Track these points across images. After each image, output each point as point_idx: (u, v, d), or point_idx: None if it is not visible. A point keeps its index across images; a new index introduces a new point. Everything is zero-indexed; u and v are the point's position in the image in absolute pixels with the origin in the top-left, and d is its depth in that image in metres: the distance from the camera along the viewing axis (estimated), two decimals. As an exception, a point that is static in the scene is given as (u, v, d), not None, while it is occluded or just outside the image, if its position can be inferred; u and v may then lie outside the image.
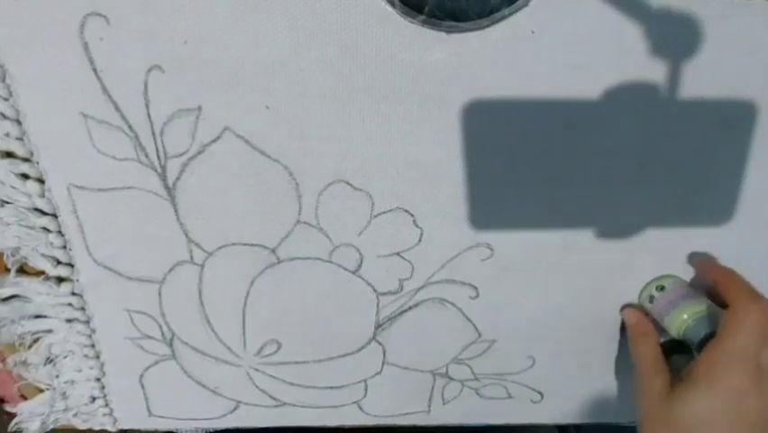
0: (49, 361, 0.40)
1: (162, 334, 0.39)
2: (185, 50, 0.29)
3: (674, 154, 0.33)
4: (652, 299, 0.37)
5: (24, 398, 0.43)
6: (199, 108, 0.31)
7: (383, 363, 0.41)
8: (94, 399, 0.43)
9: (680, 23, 0.29)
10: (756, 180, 0.34)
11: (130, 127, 0.31)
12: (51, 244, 0.35)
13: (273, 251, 0.36)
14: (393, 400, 0.43)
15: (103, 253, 0.36)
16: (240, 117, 0.31)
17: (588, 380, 0.43)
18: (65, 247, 0.35)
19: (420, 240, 0.35)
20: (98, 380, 0.42)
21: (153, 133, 0.31)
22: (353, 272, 0.37)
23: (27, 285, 0.37)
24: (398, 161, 0.33)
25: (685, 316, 0.35)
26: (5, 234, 0.34)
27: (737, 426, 0.31)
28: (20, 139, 0.32)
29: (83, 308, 0.38)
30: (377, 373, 0.42)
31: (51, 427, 0.44)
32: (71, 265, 0.36)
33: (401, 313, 0.39)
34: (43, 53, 0.29)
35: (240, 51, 0.29)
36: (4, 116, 0.31)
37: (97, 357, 0.40)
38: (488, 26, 0.29)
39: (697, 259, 0.37)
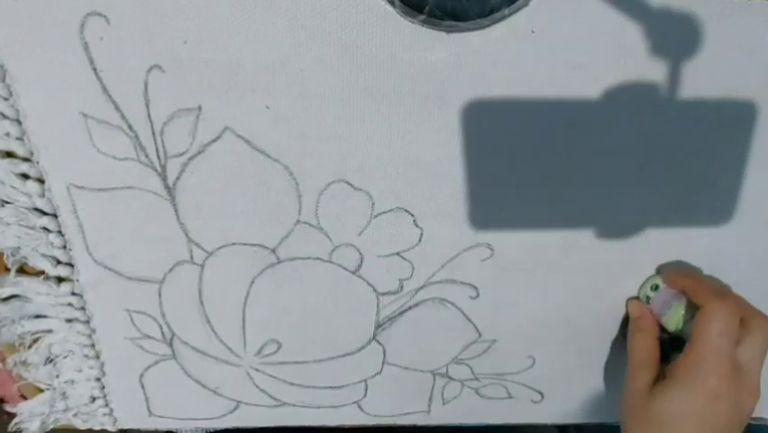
0: (49, 361, 0.40)
1: (162, 334, 0.39)
2: (185, 50, 0.29)
3: (674, 154, 0.33)
4: (648, 298, 0.37)
5: (24, 398, 0.43)
6: (199, 108, 0.31)
7: (383, 363, 0.41)
8: (94, 399, 0.43)
9: (680, 22, 0.29)
10: (756, 180, 0.34)
11: (130, 127, 0.31)
12: (51, 243, 0.35)
13: (273, 251, 0.36)
14: (393, 400, 0.43)
15: (103, 252, 0.36)
16: (240, 117, 0.31)
17: (588, 380, 0.43)
18: (65, 247, 0.35)
19: (420, 240, 0.35)
20: (98, 380, 0.42)
21: (153, 133, 0.31)
22: (353, 272, 0.37)
23: (27, 285, 0.37)
24: (399, 160, 0.33)
25: (681, 312, 0.35)
26: (5, 234, 0.34)
27: (708, 425, 0.32)
28: (20, 139, 0.32)
29: (83, 308, 0.38)
30: (377, 373, 0.42)
31: (51, 427, 0.44)
32: (71, 265, 0.36)
33: (401, 313, 0.39)
34: (43, 53, 0.29)
35: (240, 51, 0.29)
36: (4, 116, 0.31)
37: (97, 357, 0.40)
38: (488, 26, 0.29)
39: (666, 270, 0.37)
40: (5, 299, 0.37)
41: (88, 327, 0.39)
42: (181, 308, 0.38)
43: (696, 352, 0.32)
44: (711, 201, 0.35)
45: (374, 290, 0.37)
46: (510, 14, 0.28)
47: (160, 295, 0.37)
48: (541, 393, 0.44)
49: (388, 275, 0.37)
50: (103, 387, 0.42)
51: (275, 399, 0.43)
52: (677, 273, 0.36)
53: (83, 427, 0.44)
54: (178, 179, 0.33)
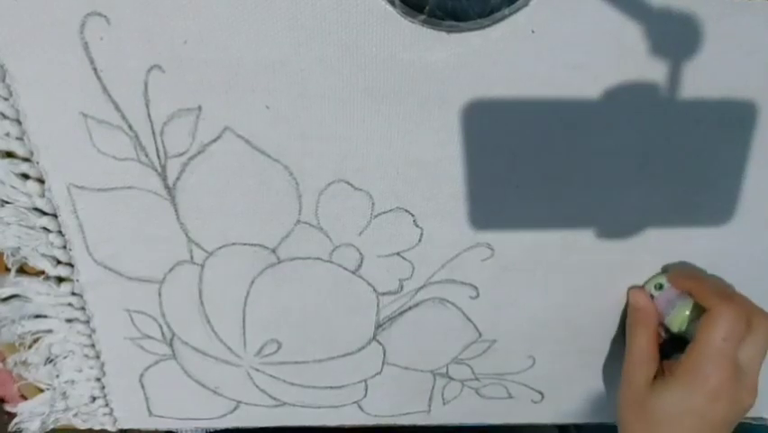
0: (49, 361, 0.40)
1: (162, 334, 0.39)
2: (185, 50, 0.29)
3: (674, 154, 0.33)
4: (651, 297, 0.37)
5: (24, 398, 0.43)
6: (199, 108, 0.31)
7: (383, 363, 0.41)
8: (94, 399, 0.43)
9: (680, 22, 0.29)
10: (756, 180, 0.34)
11: (130, 127, 0.31)
12: (51, 243, 0.35)
13: (273, 251, 0.36)
14: (393, 400, 0.43)
15: (103, 252, 0.36)
16: (240, 117, 0.31)
17: (588, 380, 0.43)
18: (65, 247, 0.35)
19: (420, 240, 0.35)
20: (98, 380, 0.42)
21: (153, 133, 0.31)
22: (353, 272, 0.37)
23: (27, 285, 0.37)
24: (399, 160, 0.33)
25: (686, 313, 0.35)
26: (5, 234, 0.34)
27: (705, 423, 0.33)
28: (20, 139, 0.32)
29: (83, 308, 0.38)
30: (377, 373, 0.42)
31: (51, 427, 0.44)
32: (71, 265, 0.36)
33: (401, 313, 0.39)
34: (43, 53, 0.29)
35: (240, 51, 0.29)
36: (4, 116, 0.31)
37: (97, 357, 0.40)
38: (488, 26, 0.29)
39: (672, 270, 0.37)
40: (5, 299, 0.37)
41: (88, 326, 0.39)
42: (181, 308, 0.38)
43: (699, 353, 0.32)
44: (711, 201, 0.35)
45: (374, 289, 0.37)
46: (510, 14, 0.28)
47: (160, 295, 0.37)
48: (541, 393, 0.44)
49: (388, 275, 0.37)
50: (103, 387, 0.42)
51: (275, 399, 0.43)
52: (683, 274, 0.36)
53: (83, 427, 0.44)
54: (178, 179, 0.33)
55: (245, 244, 0.35)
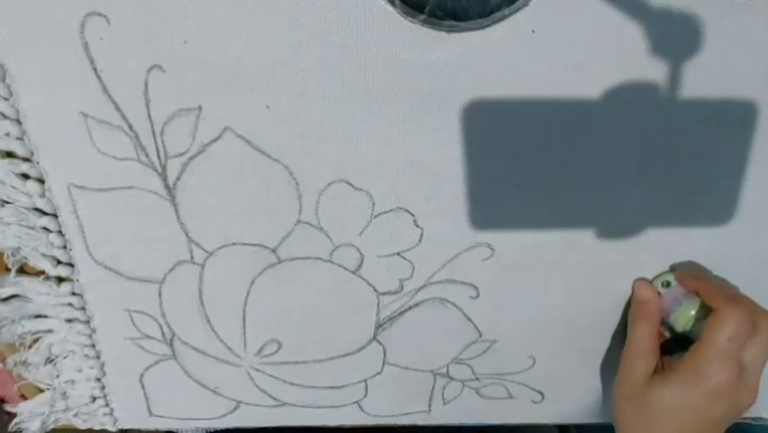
0: (49, 361, 0.40)
1: (162, 334, 0.39)
2: (185, 50, 0.29)
3: (674, 154, 0.33)
4: (657, 294, 0.37)
5: (24, 398, 0.43)
6: (199, 108, 0.31)
7: (383, 363, 0.41)
8: (94, 399, 0.43)
9: (680, 22, 0.29)
10: (757, 180, 0.34)
11: (130, 127, 0.31)
12: (51, 243, 0.35)
13: (273, 251, 0.36)
14: (393, 400, 0.43)
15: (103, 252, 0.36)
16: (240, 117, 0.31)
17: (588, 380, 0.43)
18: (65, 247, 0.35)
19: (420, 240, 0.35)
20: (98, 380, 0.42)
21: (153, 133, 0.31)
22: (354, 272, 0.37)
23: (27, 285, 0.37)
24: (399, 160, 0.33)
25: (692, 312, 0.35)
26: (6, 234, 0.34)
27: (703, 420, 0.33)
28: (20, 139, 0.32)
29: (83, 308, 0.38)
30: (377, 373, 0.42)
31: (52, 427, 0.44)
32: (71, 265, 0.36)
33: (402, 313, 0.39)
34: (43, 53, 0.29)
35: (240, 51, 0.29)
36: (4, 116, 0.31)
37: (98, 357, 0.40)
38: (488, 26, 0.29)
39: (680, 269, 0.37)
40: (6, 299, 0.37)
41: (88, 326, 0.39)
42: (181, 308, 0.38)
43: (703, 353, 0.33)
44: (711, 201, 0.35)
45: (374, 289, 0.37)
46: (510, 14, 0.28)
47: (160, 295, 0.37)
48: (541, 393, 0.44)
49: (388, 275, 0.37)
50: (103, 387, 0.42)
51: (275, 399, 0.43)
52: (691, 274, 0.36)
53: (83, 427, 0.44)
54: (178, 179, 0.33)
55: (245, 244, 0.35)
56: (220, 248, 0.35)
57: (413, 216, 0.35)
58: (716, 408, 0.33)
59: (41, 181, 0.33)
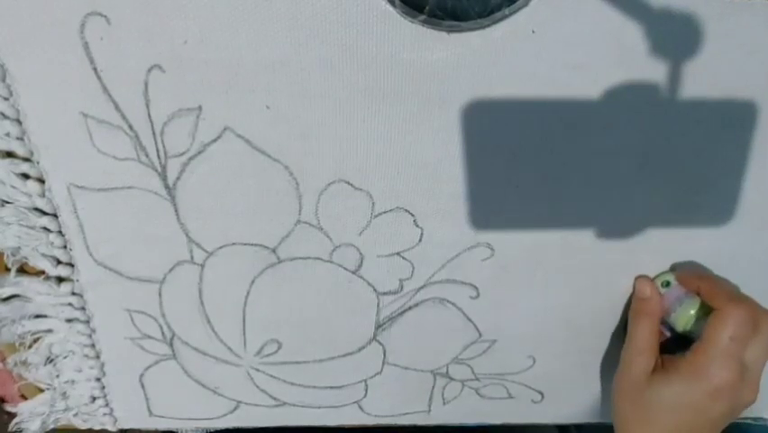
0: (49, 361, 0.40)
1: (162, 333, 0.39)
2: (185, 50, 0.29)
3: (674, 154, 0.33)
4: None
5: (25, 398, 0.43)
6: (199, 108, 0.31)
7: (383, 363, 0.41)
8: (94, 398, 0.43)
9: (680, 22, 0.29)
10: (757, 180, 0.34)
11: (130, 127, 0.31)
12: (52, 243, 0.35)
13: (273, 251, 0.36)
14: (393, 400, 0.43)
15: (103, 252, 0.36)
16: (240, 117, 0.31)
17: (588, 380, 0.43)
18: (65, 247, 0.35)
19: (420, 240, 0.35)
20: (98, 380, 0.42)
21: (153, 133, 0.31)
22: (354, 272, 0.37)
23: (27, 285, 0.37)
24: (399, 160, 0.33)
25: (692, 312, 0.35)
26: (6, 234, 0.34)
27: (702, 418, 0.33)
28: (20, 139, 0.32)
29: (83, 308, 0.38)
30: (377, 373, 0.42)
31: (52, 426, 0.44)
32: (71, 265, 0.36)
33: (401, 313, 0.39)
34: (43, 53, 0.29)
35: (240, 51, 0.29)
36: (5, 116, 0.31)
37: (98, 357, 0.40)
38: (488, 26, 0.29)
39: (681, 269, 0.37)
40: (6, 299, 0.37)
41: (88, 326, 0.39)
42: (181, 308, 0.38)
43: (705, 353, 0.33)
44: (711, 201, 0.35)
45: (374, 289, 0.37)
46: (510, 14, 0.28)
47: (160, 295, 0.37)
48: (541, 393, 0.44)
49: (388, 275, 0.37)
50: (103, 387, 0.42)
51: (275, 399, 0.43)
52: (692, 273, 0.37)
53: (83, 427, 0.44)
54: (178, 179, 0.33)
55: (245, 244, 0.35)
56: (220, 248, 0.35)
57: (413, 216, 0.35)
58: (716, 407, 0.33)
59: (41, 181, 0.33)
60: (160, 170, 0.32)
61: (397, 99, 0.31)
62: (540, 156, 0.33)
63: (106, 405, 0.43)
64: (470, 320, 0.39)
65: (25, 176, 0.33)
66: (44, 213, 0.34)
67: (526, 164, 0.33)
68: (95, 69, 0.29)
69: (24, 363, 0.40)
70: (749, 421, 0.45)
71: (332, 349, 0.40)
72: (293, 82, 0.30)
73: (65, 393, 0.42)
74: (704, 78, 0.31)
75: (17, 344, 0.39)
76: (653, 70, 0.30)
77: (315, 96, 0.30)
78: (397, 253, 0.36)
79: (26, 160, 0.32)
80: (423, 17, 0.28)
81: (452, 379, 0.42)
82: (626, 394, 0.36)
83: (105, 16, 0.28)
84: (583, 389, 0.44)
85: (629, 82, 0.31)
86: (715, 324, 0.33)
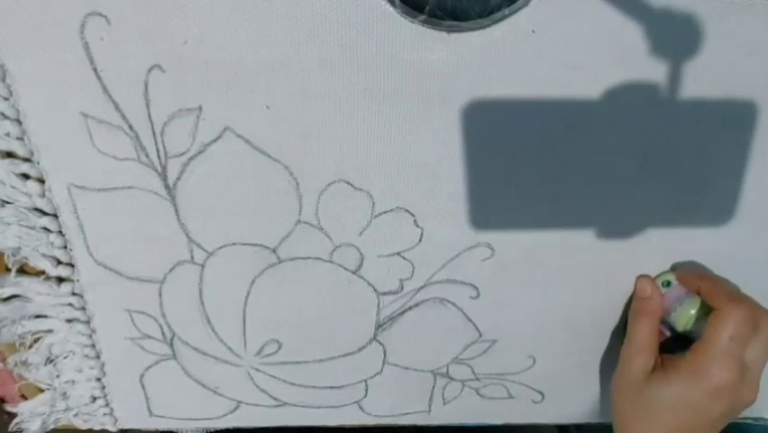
0: (49, 361, 0.40)
1: (163, 334, 0.39)
2: (185, 50, 0.29)
3: (675, 154, 0.33)
4: None
5: (25, 398, 0.43)
6: (200, 108, 0.31)
7: (384, 363, 0.41)
8: (94, 399, 0.43)
9: (680, 22, 0.29)
10: (757, 181, 0.34)
11: (130, 127, 0.31)
12: (52, 243, 0.35)
13: (274, 251, 0.36)
14: (394, 400, 0.43)
15: (103, 252, 0.36)
16: (240, 117, 0.31)
17: (588, 380, 0.43)
18: (65, 247, 0.35)
19: (421, 240, 0.35)
20: (99, 380, 0.42)
21: (154, 133, 0.31)
22: (354, 272, 0.37)
23: (27, 285, 0.37)
24: (399, 160, 0.33)
25: (692, 312, 0.35)
26: (6, 234, 0.34)
27: (702, 418, 0.33)
28: (20, 139, 0.32)
29: (83, 308, 0.38)
30: (377, 373, 0.42)
31: (52, 427, 0.44)
32: (72, 265, 0.36)
33: (402, 313, 0.39)
34: (43, 53, 0.29)
35: (240, 51, 0.29)
36: (5, 116, 0.31)
37: (98, 357, 0.40)
38: (488, 26, 0.29)
39: (681, 269, 0.37)
40: (6, 300, 0.37)
41: (89, 327, 0.39)
42: (182, 308, 0.38)
43: (705, 352, 0.33)
44: (712, 201, 0.35)
45: (374, 289, 0.37)
46: (511, 14, 0.28)
47: (160, 295, 0.37)
48: (541, 393, 0.44)
49: (388, 275, 0.37)
50: (103, 387, 0.42)
51: (275, 399, 0.43)
52: (692, 273, 0.37)
53: (83, 427, 0.44)
54: (178, 179, 0.33)
55: (246, 244, 0.35)
56: (220, 248, 0.35)
57: (413, 216, 0.35)
58: (716, 406, 0.33)
59: (42, 181, 0.33)
60: (160, 170, 0.32)
61: (397, 99, 0.31)
62: (540, 156, 0.33)
63: (107, 405, 0.43)
64: (470, 320, 0.39)
65: (25, 176, 0.33)
66: (44, 213, 0.34)
67: (526, 164, 0.33)
68: (95, 69, 0.29)
69: (25, 363, 0.40)
70: (749, 421, 0.45)
71: (332, 349, 0.40)
72: (293, 82, 0.30)
73: (65, 393, 0.42)
74: (704, 78, 0.31)
75: (17, 344, 0.39)
76: (653, 70, 0.30)
77: (315, 96, 0.30)
78: (398, 253, 0.36)
79: (26, 160, 0.32)
80: (423, 17, 0.28)
81: (452, 379, 0.42)
82: (626, 393, 0.36)
83: (105, 16, 0.28)
84: (583, 389, 0.44)
85: (629, 82, 0.31)
86: (715, 324, 0.33)
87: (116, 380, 0.42)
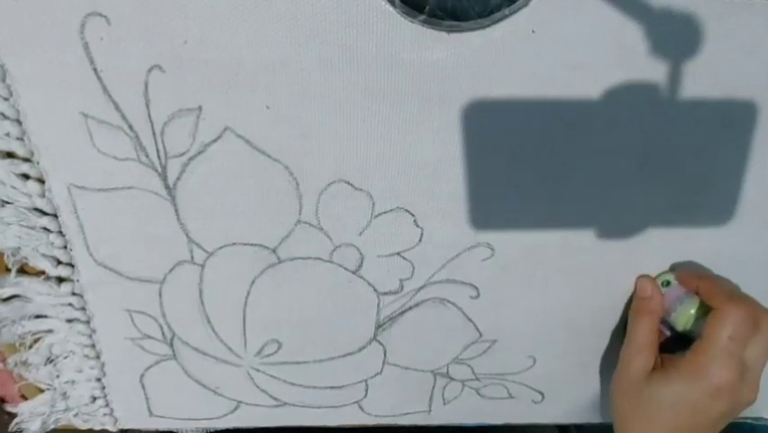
0: (49, 361, 0.40)
1: (163, 334, 0.39)
2: (185, 50, 0.29)
3: (675, 154, 0.33)
4: None
5: (25, 398, 0.43)
6: (199, 108, 0.31)
7: (384, 363, 0.41)
8: (94, 399, 0.43)
9: (680, 22, 0.29)
10: (757, 181, 0.34)
11: (130, 127, 0.31)
12: (52, 244, 0.35)
13: (274, 251, 0.36)
14: (394, 400, 0.43)
15: (103, 253, 0.36)
16: (240, 117, 0.31)
17: (588, 380, 0.43)
18: (65, 247, 0.35)
19: (421, 240, 0.35)
20: (99, 380, 0.42)
21: (154, 133, 0.31)
22: (354, 272, 0.37)
23: (28, 285, 0.37)
24: (399, 160, 0.33)
25: (692, 311, 0.35)
26: (6, 235, 0.34)
27: (702, 417, 0.33)
28: (20, 139, 0.32)
29: (83, 309, 0.38)
30: (377, 373, 0.42)
31: (52, 427, 0.44)
32: (72, 265, 0.36)
33: (402, 313, 0.39)
34: (43, 53, 0.29)
35: (240, 51, 0.29)
36: (5, 116, 0.31)
37: (98, 357, 0.40)
38: (488, 26, 0.29)
39: (680, 269, 0.37)
40: (6, 300, 0.37)
41: (89, 327, 0.39)
42: (182, 309, 0.38)
43: (704, 352, 0.33)
44: (712, 201, 0.35)
45: (375, 289, 0.37)
46: (511, 14, 0.28)
47: (160, 295, 0.37)
48: (542, 393, 0.44)
49: (388, 275, 0.37)
50: (103, 387, 0.42)
51: (275, 399, 0.43)
52: (691, 273, 0.37)
53: (84, 427, 0.44)
54: (178, 179, 0.33)
55: (246, 244, 0.35)
56: (220, 248, 0.35)
57: (413, 216, 0.35)
58: (716, 406, 0.33)
59: (42, 181, 0.33)
60: (160, 170, 0.32)
61: (397, 99, 0.31)
62: (540, 156, 0.33)
63: (107, 405, 0.43)
64: (470, 320, 0.39)
65: (25, 176, 0.33)
66: (44, 213, 0.34)
67: (526, 164, 0.33)
68: (95, 70, 0.29)
69: (25, 363, 0.40)
70: (749, 421, 0.45)
71: (332, 349, 0.40)
72: (293, 82, 0.30)
73: (65, 393, 0.42)
74: (704, 78, 0.31)
75: (17, 344, 0.39)
76: (653, 70, 0.30)
77: (315, 96, 0.30)
78: (398, 253, 0.36)
79: (26, 160, 0.32)
80: (423, 17, 0.28)
81: (452, 379, 0.42)
82: (625, 393, 0.36)
83: (105, 16, 0.28)
84: (583, 389, 0.44)
85: (629, 82, 0.31)
86: (714, 323, 0.33)
87: (116, 380, 0.42)
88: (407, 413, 0.44)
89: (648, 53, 0.30)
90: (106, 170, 0.32)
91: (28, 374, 0.40)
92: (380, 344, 0.40)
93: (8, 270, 0.36)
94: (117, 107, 0.30)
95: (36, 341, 0.39)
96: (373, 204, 0.34)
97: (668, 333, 0.38)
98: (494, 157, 0.33)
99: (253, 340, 0.39)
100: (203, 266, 0.36)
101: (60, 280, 0.37)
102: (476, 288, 0.38)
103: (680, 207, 0.35)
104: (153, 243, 0.35)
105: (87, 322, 0.38)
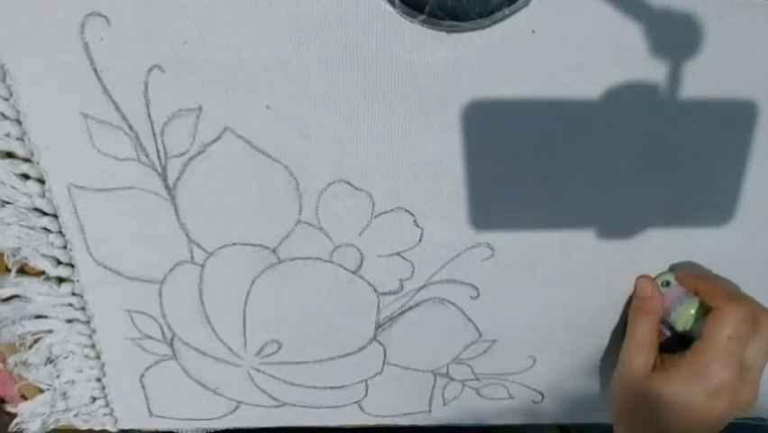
0: (49, 361, 0.40)
1: (163, 334, 0.39)
2: (185, 50, 0.29)
3: (675, 154, 0.33)
4: None
5: (25, 398, 0.43)
6: (199, 108, 0.31)
7: (384, 363, 0.41)
8: (94, 399, 0.43)
9: (680, 22, 0.29)
10: (757, 180, 0.34)
11: (130, 127, 0.31)
12: (52, 244, 0.35)
13: (274, 251, 0.36)
14: (394, 400, 0.43)
15: (103, 253, 0.36)
16: (240, 117, 0.31)
17: (588, 380, 0.43)
18: (65, 247, 0.35)
19: (421, 240, 0.35)
20: (99, 380, 0.42)
21: (154, 133, 0.31)
22: (354, 272, 0.37)
23: (28, 285, 0.37)
24: (399, 160, 0.33)
25: (692, 311, 0.35)
26: (6, 235, 0.34)
27: (702, 417, 0.33)
28: (20, 139, 0.32)
29: (83, 309, 0.38)
30: (377, 374, 0.42)
31: (52, 427, 0.44)
32: (72, 265, 0.36)
33: (402, 313, 0.39)
34: (43, 53, 0.29)
35: (240, 51, 0.29)
36: (5, 116, 0.31)
37: (98, 357, 0.40)
38: (488, 26, 0.29)
39: (680, 269, 0.37)
40: (6, 300, 0.37)
41: (89, 327, 0.39)
42: (182, 309, 0.38)
43: (704, 352, 0.33)
44: (711, 201, 0.35)
45: (375, 289, 0.37)
46: (511, 14, 0.28)
47: (160, 295, 0.37)
48: (541, 393, 0.44)
49: (388, 275, 0.37)
50: (103, 387, 0.42)
51: (275, 399, 0.43)
52: (691, 273, 0.37)
53: (84, 427, 0.44)
54: (178, 179, 0.33)
55: (246, 244, 0.35)
56: (220, 248, 0.35)
57: (413, 216, 0.35)
58: (716, 406, 0.33)
59: (42, 182, 0.33)
60: (160, 170, 0.32)
61: (397, 99, 0.31)
62: (540, 156, 0.33)
63: (107, 405, 0.43)
64: (470, 320, 0.39)
65: (25, 176, 0.33)
66: (44, 213, 0.34)
67: (526, 164, 0.33)
68: (95, 70, 0.29)
69: (25, 363, 0.40)
70: (749, 421, 0.45)
71: (332, 349, 0.40)
72: (293, 82, 0.30)
73: (65, 394, 0.42)
74: (704, 78, 0.31)
75: (17, 344, 0.39)
76: (653, 70, 0.30)
77: (315, 96, 0.30)
78: (398, 253, 0.36)
79: (26, 160, 0.32)
80: (423, 17, 0.28)
81: (452, 379, 0.42)
82: (625, 392, 0.36)
83: (105, 16, 0.28)
84: (583, 389, 0.44)
85: (629, 82, 0.31)
86: (713, 323, 0.33)
87: (116, 380, 0.42)
88: (407, 413, 0.44)
89: (648, 53, 0.30)
90: (106, 170, 0.32)
91: (28, 374, 0.40)
92: (380, 344, 0.40)
93: (8, 270, 0.36)
94: (117, 107, 0.30)
95: (36, 341, 0.39)
96: (373, 204, 0.34)
97: (668, 333, 0.38)
98: (494, 157, 0.33)
99: (253, 340, 0.39)
100: (203, 266, 0.36)
101: (60, 280, 0.37)
102: (476, 288, 0.38)
103: (680, 207, 0.35)
104: (153, 243, 0.35)
105: (87, 322, 0.38)
